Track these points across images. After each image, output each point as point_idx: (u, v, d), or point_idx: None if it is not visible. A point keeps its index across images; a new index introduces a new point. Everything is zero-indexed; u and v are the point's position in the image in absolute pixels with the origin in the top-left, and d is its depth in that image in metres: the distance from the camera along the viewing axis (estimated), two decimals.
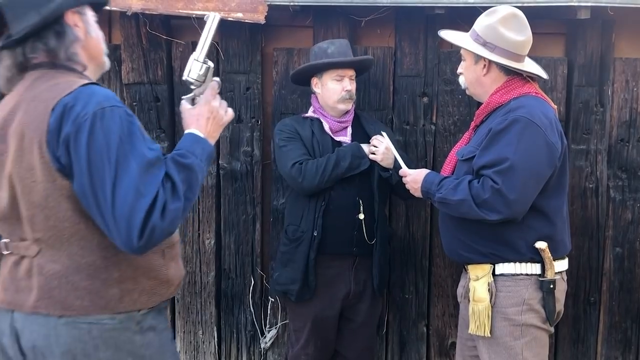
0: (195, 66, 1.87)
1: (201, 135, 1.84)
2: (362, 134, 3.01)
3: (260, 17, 3.06)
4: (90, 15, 1.86)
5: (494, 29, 2.47)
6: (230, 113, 1.95)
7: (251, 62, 3.32)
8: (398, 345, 3.48)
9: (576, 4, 2.98)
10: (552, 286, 2.42)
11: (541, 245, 2.40)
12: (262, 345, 3.49)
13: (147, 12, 3.10)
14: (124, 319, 1.74)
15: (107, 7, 2.96)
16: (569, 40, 3.35)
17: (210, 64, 1.89)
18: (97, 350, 1.71)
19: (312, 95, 3.05)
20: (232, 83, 3.31)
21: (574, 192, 3.29)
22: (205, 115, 1.86)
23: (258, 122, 3.37)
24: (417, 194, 2.62)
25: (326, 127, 2.98)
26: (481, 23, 2.52)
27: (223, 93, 3.22)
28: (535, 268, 2.43)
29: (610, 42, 3.27)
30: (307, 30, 3.36)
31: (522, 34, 2.49)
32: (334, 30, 3.29)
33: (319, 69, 2.96)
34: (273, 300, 3.44)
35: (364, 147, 2.93)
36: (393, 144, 2.88)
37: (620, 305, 3.40)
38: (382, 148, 2.90)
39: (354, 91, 2.96)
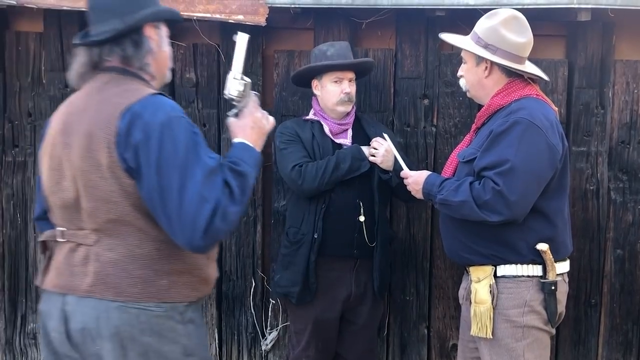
0: (234, 84, 2.00)
1: (249, 143, 1.98)
2: (362, 136, 3.01)
3: (261, 20, 3.07)
4: (164, 30, 2.02)
5: (496, 31, 2.47)
6: (271, 121, 2.11)
7: (252, 65, 3.32)
8: (399, 348, 3.48)
9: (576, 5, 2.99)
10: (553, 288, 2.42)
11: (542, 247, 2.40)
12: (263, 347, 3.49)
13: None
14: (169, 308, 1.86)
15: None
16: (569, 42, 3.36)
17: (247, 79, 2.02)
18: (142, 334, 1.82)
19: (313, 97, 3.05)
20: None
21: (574, 194, 3.29)
22: (250, 125, 2.01)
23: None
24: (419, 195, 2.62)
25: (326, 129, 2.99)
26: (482, 25, 2.52)
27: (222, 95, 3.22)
28: (536, 270, 2.43)
29: (611, 44, 3.28)
30: (307, 32, 3.36)
31: (523, 36, 2.49)
32: (335, 33, 3.29)
33: (318, 71, 2.96)
34: (274, 302, 3.44)
35: (364, 149, 2.93)
36: (395, 146, 2.88)
37: (621, 307, 3.40)
38: (381, 150, 2.90)
39: (353, 93, 2.96)
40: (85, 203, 1.84)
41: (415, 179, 2.63)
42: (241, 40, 2.01)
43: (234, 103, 2.03)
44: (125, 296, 1.82)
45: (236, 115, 2.04)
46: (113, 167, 1.79)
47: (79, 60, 1.94)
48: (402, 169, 2.74)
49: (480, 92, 2.58)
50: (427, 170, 2.84)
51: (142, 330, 1.83)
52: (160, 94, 1.89)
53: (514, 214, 2.34)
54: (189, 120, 1.85)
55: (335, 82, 2.94)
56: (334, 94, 2.94)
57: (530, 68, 2.55)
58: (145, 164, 1.76)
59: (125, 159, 1.78)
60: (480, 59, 2.51)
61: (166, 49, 2.02)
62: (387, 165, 2.90)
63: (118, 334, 1.81)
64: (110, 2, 1.91)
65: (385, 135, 2.93)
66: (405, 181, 2.69)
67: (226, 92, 2.02)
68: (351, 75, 2.97)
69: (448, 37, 2.65)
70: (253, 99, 2.06)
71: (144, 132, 1.76)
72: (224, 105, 3.29)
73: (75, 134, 1.85)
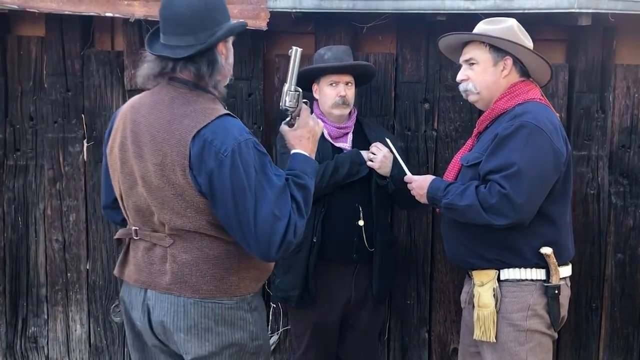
0: (289, 96, 2.13)
1: (307, 154, 2.13)
2: (363, 141, 3.01)
3: (262, 24, 3.07)
4: (230, 41, 2.10)
5: (514, 32, 2.50)
6: (321, 125, 2.24)
7: (253, 69, 3.33)
8: (400, 352, 3.48)
9: (577, 10, 2.99)
10: (557, 292, 2.43)
11: (546, 250, 2.40)
12: None
13: (149, 18, 3.11)
14: (239, 300, 2.07)
15: (110, 14, 2.99)
16: (570, 47, 3.36)
17: (299, 89, 2.14)
18: (217, 325, 2.03)
19: (314, 101, 3.06)
20: (234, 89, 3.32)
21: (575, 198, 3.29)
22: (306, 136, 2.15)
23: (260, 128, 3.38)
24: (423, 200, 2.62)
25: (325, 133, 2.99)
26: (496, 26, 2.52)
27: (225, 99, 3.23)
28: (540, 274, 2.44)
29: (611, 48, 3.28)
30: (309, 36, 3.37)
31: (530, 42, 2.53)
32: (336, 37, 3.30)
33: (315, 75, 2.98)
34: (274, 306, 3.44)
35: (364, 153, 2.93)
36: (397, 151, 2.87)
37: (621, 311, 3.40)
38: (379, 156, 2.89)
39: (349, 97, 2.95)
40: (159, 214, 2.00)
41: (419, 184, 2.63)
42: (295, 53, 2.13)
43: (288, 113, 2.16)
44: (201, 293, 2.01)
45: (290, 124, 2.16)
46: (188, 188, 1.93)
47: (149, 66, 2.04)
48: (405, 174, 2.73)
49: (493, 93, 2.55)
50: (428, 174, 2.84)
51: (216, 322, 2.03)
52: (227, 114, 2.00)
53: (521, 217, 2.34)
54: (255, 140, 1.97)
55: (331, 85, 2.94)
56: (329, 97, 2.94)
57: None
58: (220, 190, 1.89)
59: (198, 182, 1.92)
60: (499, 58, 2.51)
61: (231, 60, 2.12)
62: (385, 171, 2.90)
63: (195, 326, 2.02)
64: (186, 18, 1.96)
65: (388, 141, 2.92)
66: (409, 186, 2.69)
67: (282, 104, 2.15)
68: (347, 78, 2.96)
69: (465, 36, 2.60)
70: (305, 107, 2.17)
71: (217, 160, 1.88)
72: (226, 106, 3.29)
73: (146, 147, 1.98)
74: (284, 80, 2.16)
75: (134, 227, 2.11)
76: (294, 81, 2.13)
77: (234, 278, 2.05)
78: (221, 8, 2.05)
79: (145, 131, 1.99)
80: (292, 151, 2.14)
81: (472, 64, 2.57)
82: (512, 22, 2.55)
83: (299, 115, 2.16)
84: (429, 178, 2.62)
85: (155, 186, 1.97)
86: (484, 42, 2.54)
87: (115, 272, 2.23)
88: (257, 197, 1.90)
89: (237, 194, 1.89)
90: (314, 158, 2.15)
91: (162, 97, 2.02)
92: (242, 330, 2.08)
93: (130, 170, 2.04)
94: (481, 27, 2.57)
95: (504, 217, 2.33)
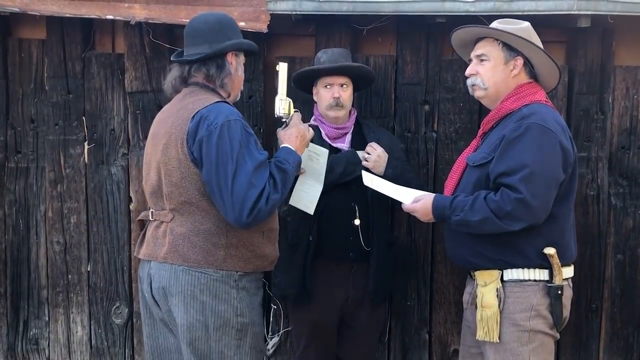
0: (281, 104, 2.56)
1: (292, 148, 2.46)
2: (361, 142, 3.02)
3: (262, 26, 3.08)
4: (242, 58, 2.51)
5: (529, 33, 2.52)
6: (311, 132, 2.60)
7: (253, 71, 3.34)
8: (400, 353, 3.49)
9: (576, 12, 3.00)
10: (560, 292, 2.43)
11: (550, 251, 2.41)
12: (265, 352, 3.49)
13: (150, 21, 3.12)
14: (225, 274, 2.30)
15: (111, 17, 3.03)
16: (569, 48, 3.37)
17: (289, 99, 2.57)
18: (202, 294, 2.27)
19: (314, 103, 3.08)
20: None
21: (575, 200, 3.30)
22: (295, 135, 2.50)
23: (260, 130, 3.39)
24: (431, 221, 2.58)
25: (323, 133, 3.00)
26: (511, 26, 2.53)
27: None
28: (543, 274, 2.44)
29: (611, 50, 3.29)
30: (309, 39, 3.38)
31: (541, 45, 2.56)
32: (336, 39, 3.31)
33: (313, 77, 3.00)
34: (275, 307, 3.45)
35: (359, 153, 2.95)
36: (398, 155, 2.84)
37: (621, 312, 3.41)
38: (374, 155, 2.91)
39: (343, 99, 2.95)
40: (164, 188, 2.33)
41: (422, 210, 2.55)
42: (282, 68, 2.56)
43: (282, 120, 2.55)
44: (190, 262, 2.27)
45: (284, 127, 2.54)
46: (183, 159, 2.26)
47: (172, 73, 2.46)
48: (401, 203, 2.62)
49: (500, 91, 2.55)
50: (427, 175, 2.83)
51: (201, 290, 2.27)
52: (224, 101, 2.35)
53: (537, 219, 2.35)
54: (244, 122, 2.30)
55: (327, 87, 2.96)
56: (324, 98, 2.97)
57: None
58: (207, 155, 2.21)
59: (192, 152, 2.24)
60: (510, 57, 2.52)
61: (241, 73, 2.51)
62: (379, 170, 2.91)
63: (183, 292, 2.27)
64: (203, 32, 2.40)
65: (375, 178, 2.77)
66: (412, 214, 2.61)
67: (276, 112, 2.57)
68: (342, 80, 2.97)
69: (481, 30, 2.60)
70: (297, 114, 2.57)
71: (207, 130, 2.22)
72: None
73: (160, 135, 2.36)
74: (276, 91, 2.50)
75: (150, 210, 2.44)
76: (284, 91, 2.55)
77: (221, 252, 2.29)
78: (234, 27, 2.48)
79: (162, 125, 2.38)
80: (281, 145, 2.48)
81: (483, 60, 2.57)
82: (527, 24, 2.56)
83: (291, 120, 2.53)
84: (429, 200, 2.54)
85: (162, 162, 2.31)
86: (497, 40, 2.54)
87: (135, 252, 2.55)
88: (237, 165, 2.19)
89: (221, 159, 2.19)
90: (299, 155, 2.47)
91: (179, 96, 2.44)
92: (225, 304, 2.29)
93: (149, 158, 2.43)
94: (496, 26, 2.57)
95: (521, 222, 2.34)
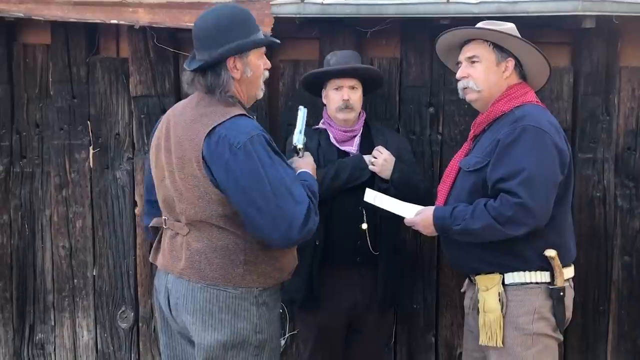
0: (300, 137, 2.60)
1: (311, 173, 2.40)
2: (369, 145, 3.00)
3: (266, 30, 3.07)
4: (252, 56, 2.26)
5: (517, 33, 2.51)
6: (315, 166, 2.56)
7: None
8: (406, 356, 3.48)
9: (581, 13, 2.99)
10: (562, 294, 2.42)
11: (551, 253, 2.39)
12: None
13: (154, 25, 3.13)
14: (244, 291, 2.20)
15: (115, 21, 3.03)
16: (574, 50, 3.36)
17: (304, 136, 2.63)
18: (220, 312, 2.18)
19: (324, 106, 3.07)
20: None
21: (581, 201, 3.29)
22: (311, 163, 2.50)
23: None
24: (433, 234, 2.55)
25: (331, 137, 2.99)
26: (498, 26, 2.52)
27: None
28: (544, 276, 2.43)
29: (616, 50, 3.28)
30: (313, 42, 3.38)
31: None
32: (340, 42, 3.30)
33: (320, 79, 2.99)
34: (281, 311, 3.43)
35: (366, 157, 2.93)
36: (407, 158, 2.83)
37: (629, 314, 3.39)
38: (380, 159, 2.89)
39: (353, 101, 2.94)
40: (178, 204, 2.22)
41: (423, 223, 2.53)
42: (302, 112, 2.66)
43: (298, 150, 2.58)
44: (208, 279, 2.17)
45: (300, 155, 2.56)
46: (203, 179, 2.13)
47: (185, 77, 2.30)
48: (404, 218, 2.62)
49: (493, 93, 2.53)
50: (433, 178, 2.82)
51: (219, 309, 2.17)
52: (242, 114, 2.19)
53: (539, 222, 2.33)
54: (266, 135, 2.16)
55: (336, 89, 2.95)
56: (334, 101, 2.95)
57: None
58: (236, 178, 2.07)
59: (213, 174, 2.11)
60: (501, 59, 2.51)
61: (252, 72, 2.27)
62: (385, 174, 2.89)
63: (200, 310, 2.18)
64: (201, 36, 2.22)
65: (373, 200, 2.73)
66: (414, 227, 2.60)
67: (294, 141, 2.60)
68: (351, 82, 2.96)
69: (471, 31, 2.58)
70: (308, 154, 2.62)
71: (231, 151, 2.07)
72: None
73: (173, 143, 2.21)
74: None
75: (164, 217, 2.33)
76: (302, 128, 2.62)
77: (239, 270, 2.18)
78: (236, 26, 2.21)
79: (174, 129, 2.23)
80: (299, 170, 2.38)
81: (475, 61, 2.54)
82: (512, 25, 2.56)
83: (305, 151, 2.59)
84: (429, 213, 2.51)
85: (177, 177, 2.19)
86: (487, 41, 2.53)
87: (150, 258, 2.46)
88: (273, 181, 2.07)
89: (253, 181, 2.06)
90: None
91: (191, 100, 2.29)
92: (245, 321, 2.19)
93: (161, 164, 2.28)
94: (484, 27, 2.56)
95: (523, 226, 2.32)
